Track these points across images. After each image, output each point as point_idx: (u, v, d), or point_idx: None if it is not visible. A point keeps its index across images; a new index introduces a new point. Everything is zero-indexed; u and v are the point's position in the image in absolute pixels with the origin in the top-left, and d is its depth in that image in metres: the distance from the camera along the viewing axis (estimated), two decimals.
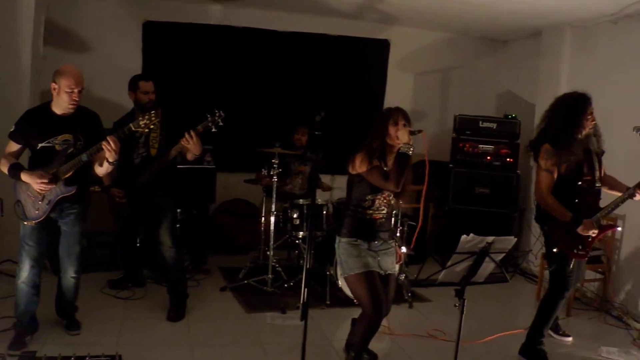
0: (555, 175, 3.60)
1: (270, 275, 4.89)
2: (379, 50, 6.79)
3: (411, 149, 3.12)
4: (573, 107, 3.61)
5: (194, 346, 3.75)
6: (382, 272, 3.26)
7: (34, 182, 3.29)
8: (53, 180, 3.32)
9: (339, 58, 6.63)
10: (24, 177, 3.31)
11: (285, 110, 6.37)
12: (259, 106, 6.41)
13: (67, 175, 3.37)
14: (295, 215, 5.06)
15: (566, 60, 5.86)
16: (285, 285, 4.91)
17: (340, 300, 4.64)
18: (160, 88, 4.37)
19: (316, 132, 2.71)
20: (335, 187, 6.37)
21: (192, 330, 4.02)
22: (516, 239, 2.99)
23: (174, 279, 4.31)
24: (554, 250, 3.64)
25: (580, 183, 3.60)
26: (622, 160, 4.58)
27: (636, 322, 4.60)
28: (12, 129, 3.42)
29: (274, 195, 4.98)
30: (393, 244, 3.39)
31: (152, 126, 3.46)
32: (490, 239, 2.81)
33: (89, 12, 5.83)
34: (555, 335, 4.20)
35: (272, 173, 4.91)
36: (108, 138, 3.26)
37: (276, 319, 4.34)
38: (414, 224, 5.60)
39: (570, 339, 4.23)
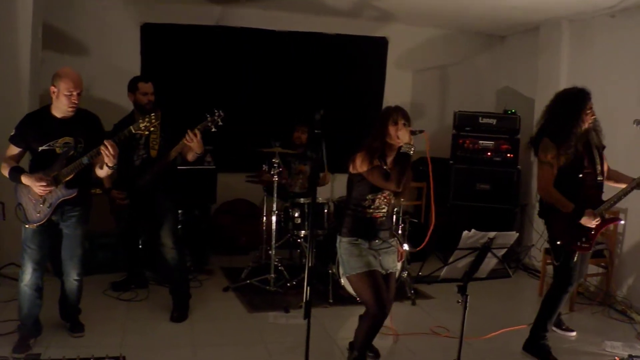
0: (556, 169, 3.60)
1: (272, 275, 4.89)
2: (377, 48, 6.78)
3: (412, 149, 3.11)
4: (572, 102, 3.62)
5: (197, 346, 3.75)
6: (383, 271, 3.26)
7: (34, 185, 3.29)
8: (53, 182, 3.32)
9: (337, 57, 6.62)
10: (25, 180, 3.31)
11: (285, 110, 6.37)
12: (259, 106, 6.41)
13: (68, 178, 3.37)
14: (296, 215, 5.06)
15: (565, 54, 5.85)
16: (288, 284, 4.92)
17: (343, 299, 4.64)
18: (160, 89, 4.37)
19: (316, 131, 2.70)
20: (335, 186, 6.37)
21: (195, 330, 4.03)
22: (518, 234, 2.99)
23: (176, 280, 4.32)
24: (558, 243, 3.65)
25: (581, 176, 3.60)
26: (623, 154, 4.58)
27: None
28: (12, 133, 3.42)
29: (275, 194, 4.98)
30: (394, 243, 3.39)
31: (152, 129, 3.46)
32: (492, 234, 2.82)
33: (87, 15, 5.83)
34: (558, 331, 4.20)
35: (273, 172, 4.91)
36: (106, 143, 3.25)
37: (279, 318, 4.34)
38: (415, 221, 5.62)
39: (574, 333, 4.23)
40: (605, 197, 3.69)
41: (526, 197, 6.35)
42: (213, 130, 3.94)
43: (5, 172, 3.38)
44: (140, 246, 4.90)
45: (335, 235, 3.39)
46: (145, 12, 5.99)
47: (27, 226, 3.41)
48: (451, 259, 2.84)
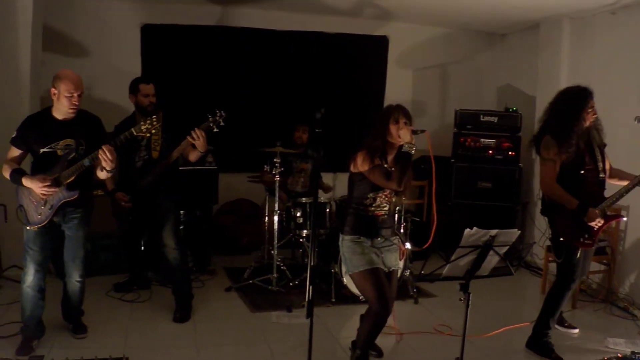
0: (558, 166, 3.61)
1: (275, 275, 4.90)
2: (377, 47, 6.78)
3: (414, 148, 3.12)
4: (574, 101, 3.64)
5: (200, 346, 3.75)
6: (385, 268, 3.27)
7: (36, 187, 3.30)
8: (54, 184, 3.33)
9: (338, 56, 6.62)
10: (26, 182, 3.32)
11: (286, 109, 6.38)
12: (259, 106, 6.41)
13: (69, 180, 3.38)
14: (298, 214, 5.06)
15: (565, 52, 5.85)
16: (290, 284, 4.92)
17: (345, 298, 4.64)
18: (160, 90, 4.38)
19: (317, 130, 2.71)
20: (337, 185, 6.37)
21: (198, 330, 4.03)
22: (519, 231, 2.99)
23: (178, 281, 4.32)
24: (561, 239, 3.65)
25: (582, 172, 3.61)
26: (623, 151, 4.58)
27: None
28: (13, 135, 3.43)
29: (277, 194, 4.98)
30: (396, 241, 3.39)
31: (153, 130, 3.47)
32: (493, 232, 2.82)
33: (87, 16, 5.84)
34: (561, 328, 4.19)
35: (274, 172, 4.91)
36: (103, 147, 3.26)
37: (282, 318, 4.35)
38: (417, 219, 5.62)
39: (576, 330, 4.23)
40: (607, 194, 3.69)
41: (528, 195, 6.34)
42: (215, 130, 3.94)
43: (7, 174, 3.39)
44: (142, 247, 4.90)
45: (337, 235, 3.39)
46: (146, 13, 6.00)
47: (28, 228, 3.41)
48: (453, 257, 2.84)
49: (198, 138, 3.86)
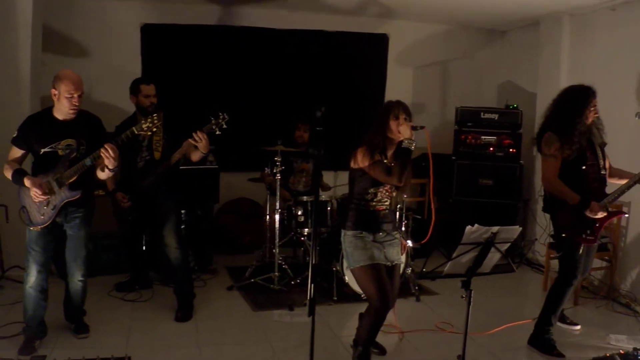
0: (560, 162, 3.62)
1: (276, 273, 4.90)
2: (377, 45, 6.77)
3: (413, 144, 3.13)
4: (577, 99, 3.66)
5: (202, 346, 3.76)
6: (388, 263, 3.28)
7: (31, 190, 3.30)
8: (56, 185, 3.33)
9: (338, 54, 6.62)
10: (27, 182, 3.32)
11: (287, 108, 6.37)
12: (260, 105, 6.41)
13: (71, 180, 3.38)
14: (299, 213, 5.06)
15: (565, 48, 5.84)
16: (292, 282, 4.92)
17: (347, 296, 4.64)
18: (161, 90, 4.37)
19: (317, 128, 2.71)
20: (337, 183, 6.37)
21: (200, 330, 4.04)
22: (521, 228, 2.99)
23: (180, 280, 4.32)
24: (563, 235, 3.65)
25: (584, 168, 3.62)
26: (623, 148, 4.59)
27: None
28: (14, 135, 3.43)
29: (278, 194, 4.98)
30: (397, 235, 3.40)
31: (154, 129, 3.47)
32: (495, 229, 2.82)
33: (87, 17, 5.83)
34: (562, 325, 4.19)
35: (275, 171, 4.91)
36: (106, 146, 3.26)
37: (284, 317, 4.35)
38: (418, 217, 5.62)
39: (578, 327, 4.23)
40: (607, 192, 3.69)
41: (529, 192, 6.34)
42: (217, 133, 3.94)
43: (8, 175, 3.39)
44: (143, 247, 4.90)
45: (338, 233, 3.40)
46: (145, 13, 5.99)
47: (31, 228, 3.42)
48: (455, 254, 2.84)
49: (200, 140, 3.86)
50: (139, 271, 4.86)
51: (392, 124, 3.17)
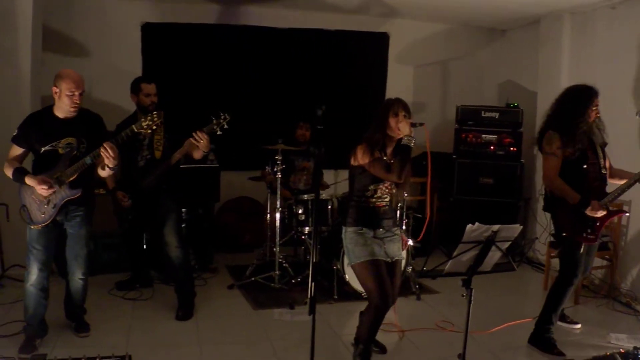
0: (561, 160, 3.62)
1: (277, 272, 4.91)
2: (378, 43, 6.77)
3: (413, 140, 3.14)
4: (579, 98, 3.67)
5: (203, 344, 3.76)
6: (389, 259, 3.29)
7: (37, 187, 3.30)
8: (57, 183, 3.33)
9: (338, 53, 6.62)
10: (29, 181, 3.32)
11: (287, 107, 6.37)
12: (261, 104, 6.41)
13: (71, 179, 3.38)
14: (300, 211, 5.06)
15: (566, 47, 5.83)
16: (293, 281, 4.93)
17: (348, 295, 4.64)
18: (161, 90, 4.37)
19: (318, 127, 2.71)
20: (338, 182, 6.36)
21: (201, 328, 4.04)
22: (522, 227, 2.99)
23: (181, 279, 4.32)
24: (563, 234, 3.65)
25: (585, 166, 3.62)
26: (623, 145, 4.59)
27: None
28: (15, 133, 3.43)
29: (279, 192, 4.98)
30: (397, 232, 3.41)
31: (154, 127, 3.47)
32: (495, 227, 2.82)
33: (87, 17, 5.83)
34: (563, 324, 4.19)
35: (275, 169, 4.91)
36: (105, 145, 3.26)
37: (284, 315, 4.35)
38: (419, 216, 5.61)
39: (579, 326, 4.23)
40: (608, 192, 3.69)
41: (529, 191, 6.33)
42: (219, 133, 3.94)
43: (9, 173, 3.39)
44: (144, 246, 4.90)
45: (339, 231, 3.41)
46: (146, 12, 5.99)
47: (32, 227, 3.42)
48: (455, 253, 2.84)
49: (201, 140, 3.86)
50: (139, 270, 4.86)
51: (392, 121, 3.18)
